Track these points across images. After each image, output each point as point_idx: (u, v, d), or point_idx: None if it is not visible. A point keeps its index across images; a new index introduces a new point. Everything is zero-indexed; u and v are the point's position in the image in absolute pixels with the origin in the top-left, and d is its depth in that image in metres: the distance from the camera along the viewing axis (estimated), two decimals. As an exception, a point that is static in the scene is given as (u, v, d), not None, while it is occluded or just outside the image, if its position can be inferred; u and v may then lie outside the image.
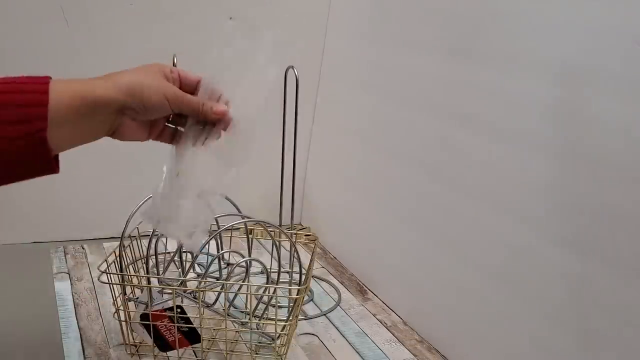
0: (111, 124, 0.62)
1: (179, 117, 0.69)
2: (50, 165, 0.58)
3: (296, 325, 0.88)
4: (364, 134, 1.16)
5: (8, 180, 0.58)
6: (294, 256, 0.98)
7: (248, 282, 0.85)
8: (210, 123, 0.67)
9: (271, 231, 0.92)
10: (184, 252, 0.92)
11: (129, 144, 1.24)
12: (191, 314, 0.81)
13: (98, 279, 0.85)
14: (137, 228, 0.90)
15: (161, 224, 0.69)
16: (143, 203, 0.85)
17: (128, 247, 0.90)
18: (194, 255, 0.89)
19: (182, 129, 0.69)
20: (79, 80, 0.60)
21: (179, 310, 0.79)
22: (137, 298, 0.85)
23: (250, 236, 0.93)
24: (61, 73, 1.12)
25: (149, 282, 0.85)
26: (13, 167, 0.56)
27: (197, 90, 0.67)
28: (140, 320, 0.81)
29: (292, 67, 0.95)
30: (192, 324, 0.81)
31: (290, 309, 0.87)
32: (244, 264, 0.88)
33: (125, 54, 1.15)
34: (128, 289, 0.85)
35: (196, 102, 0.65)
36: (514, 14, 0.80)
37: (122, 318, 0.84)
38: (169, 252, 1.07)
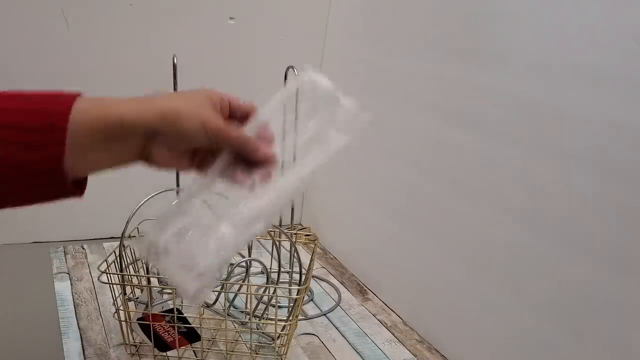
0: (141, 150, 0.56)
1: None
2: (69, 191, 0.53)
3: (296, 325, 0.88)
4: (364, 134, 1.16)
5: (24, 203, 0.55)
6: (294, 256, 0.98)
7: (248, 282, 0.85)
8: (251, 163, 0.58)
9: (271, 231, 0.92)
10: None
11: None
12: (191, 314, 0.81)
13: (98, 279, 0.85)
14: (137, 228, 0.90)
15: (161, 257, 0.57)
16: (143, 203, 0.85)
17: (128, 247, 0.90)
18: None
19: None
20: (107, 100, 0.53)
21: (177, 310, 0.79)
22: (137, 298, 0.85)
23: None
24: (61, 73, 1.12)
25: (149, 282, 0.85)
26: (28, 193, 0.53)
27: (247, 121, 0.60)
28: (139, 320, 0.81)
29: (292, 67, 0.95)
30: (191, 324, 0.81)
31: (290, 309, 0.87)
32: (244, 264, 0.88)
33: (126, 54, 1.15)
34: (128, 289, 0.85)
35: (238, 137, 0.57)
36: (513, 14, 0.80)
37: (122, 318, 0.84)
38: (169, 252, 1.07)
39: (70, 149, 0.50)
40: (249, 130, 0.58)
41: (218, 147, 0.57)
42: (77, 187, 0.54)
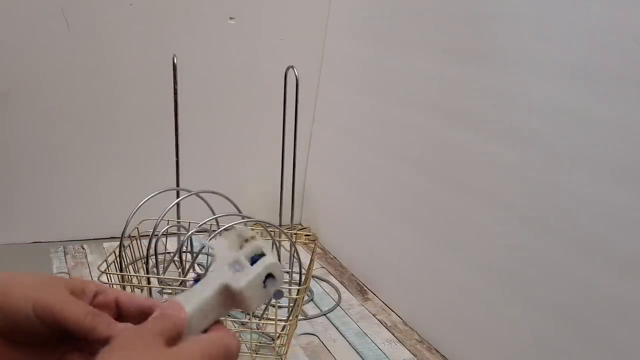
0: None
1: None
2: None
3: (296, 325, 0.88)
4: (364, 134, 1.16)
5: None
6: (294, 256, 0.98)
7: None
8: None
9: (271, 231, 0.92)
10: (183, 252, 0.92)
11: (129, 144, 1.25)
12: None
13: (98, 279, 0.85)
14: (137, 228, 0.90)
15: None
16: (143, 203, 0.85)
17: (128, 247, 0.90)
18: (194, 255, 0.89)
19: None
20: None
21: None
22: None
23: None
24: (61, 73, 1.12)
25: (149, 282, 0.85)
26: None
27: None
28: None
29: (292, 67, 0.95)
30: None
31: (290, 309, 0.87)
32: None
33: (126, 54, 1.15)
34: (128, 289, 0.85)
35: (77, 311, 0.41)
36: (513, 14, 0.80)
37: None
38: (169, 252, 1.07)
39: None
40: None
41: (56, 329, 0.42)
42: None
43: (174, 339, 0.39)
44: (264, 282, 0.45)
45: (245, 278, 0.44)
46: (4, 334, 0.42)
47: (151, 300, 0.45)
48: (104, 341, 0.39)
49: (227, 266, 0.45)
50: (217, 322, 0.44)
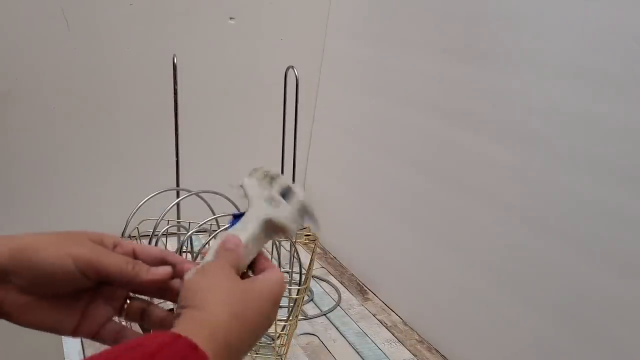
0: None
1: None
2: None
3: (296, 325, 0.88)
4: (364, 134, 1.16)
5: None
6: (294, 256, 0.98)
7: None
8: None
9: (271, 231, 0.92)
10: (183, 252, 0.92)
11: (129, 144, 1.25)
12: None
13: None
14: (137, 228, 0.90)
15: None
16: (143, 203, 0.85)
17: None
18: (194, 255, 0.89)
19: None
20: None
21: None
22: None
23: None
24: (61, 73, 1.12)
25: (149, 282, 0.85)
26: None
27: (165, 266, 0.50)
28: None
29: (292, 67, 0.95)
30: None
31: (290, 309, 0.87)
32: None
33: (125, 54, 1.15)
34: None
35: (118, 261, 0.47)
36: (513, 15, 0.80)
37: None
38: (169, 252, 1.07)
39: None
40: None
41: (95, 279, 0.46)
42: None
43: (238, 269, 0.47)
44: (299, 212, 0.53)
45: (286, 211, 0.52)
46: (31, 289, 0.45)
47: (162, 251, 0.50)
48: (147, 283, 0.47)
49: (264, 202, 0.52)
50: (261, 254, 0.51)
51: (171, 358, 0.37)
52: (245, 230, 0.50)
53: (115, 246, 0.49)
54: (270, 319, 0.46)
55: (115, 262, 0.47)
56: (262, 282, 0.47)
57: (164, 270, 0.48)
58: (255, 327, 0.45)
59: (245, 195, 0.54)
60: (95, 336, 0.49)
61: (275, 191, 0.54)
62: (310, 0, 1.26)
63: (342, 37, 1.25)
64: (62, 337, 0.89)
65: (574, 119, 0.70)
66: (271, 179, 0.55)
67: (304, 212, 0.54)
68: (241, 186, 0.55)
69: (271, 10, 1.24)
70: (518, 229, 0.79)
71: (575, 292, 0.70)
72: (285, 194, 0.54)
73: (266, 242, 0.54)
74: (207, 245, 0.89)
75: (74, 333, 0.48)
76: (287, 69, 0.95)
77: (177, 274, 0.49)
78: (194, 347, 0.38)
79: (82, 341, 0.88)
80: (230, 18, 1.20)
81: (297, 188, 0.54)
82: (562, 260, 0.72)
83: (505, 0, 0.81)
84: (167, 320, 0.50)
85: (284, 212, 0.52)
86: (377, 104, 1.11)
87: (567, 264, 0.71)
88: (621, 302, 0.65)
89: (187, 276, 0.46)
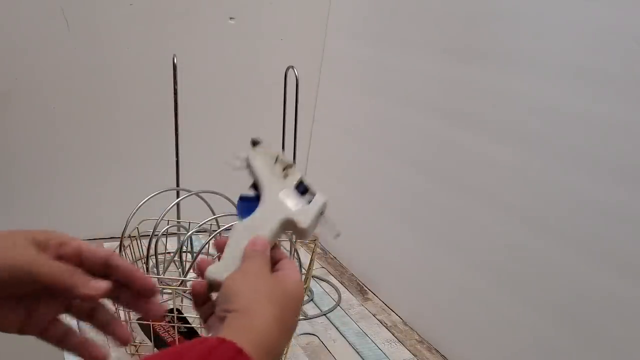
0: None
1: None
2: None
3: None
4: (364, 134, 1.16)
5: None
6: (293, 256, 0.98)
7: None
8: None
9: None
10: (183, 252, 0.92)
11: (129, 144, 1.25)
12: (191, 314, 0.81)
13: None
14: (137, 228, 0.90)
15: None
16: (143, 203, 0.85)
17: (128, 247, 0.90)
18: (194, 255, 0.89)
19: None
20: None
21: (177, 310, 0.79)
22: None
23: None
24: (61, 73, 1.12)
25: (149, 282, 0.85)
26: None
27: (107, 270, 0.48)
28: (139, 320, 0.81)
29: (292, 67, 0.95)
30: (191, 324, 0.81)
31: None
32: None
33: (126, 54, 1.15)
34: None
35: (56, 271, 0.45)
36: (513, 14, 0.80)
37: (122, 318, 0.84)
38: (169, 252, 1.07)
39: None
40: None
41: (33, 287, 0.45)
42: None
43: (269, 270, 0.49)
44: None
45: (308, 216, 0.51)
46: None
47: (108, 254, 0.48)
48: (84, 298, 0.46)
49: (280, 196, 0.52)
50: (276, 246, 0.52)
51: (218, 358, 0.38)
52: (268, 230, 0.50)
53: (61, 245, 0.48)
54: (298, 319, 0.48)
55: (52, 272, 0.45)
56: (292, 283, 0.48)
57: (102, 286, 0.46)
58: (291, 328, 0.47)
59: (252, 174, 0.54)
60: (42, 334, 0.49)
61: (291, 183, 0.53)
62: (310, 0, 1.26)
63: (342, 37, 1.25)
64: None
65: (574, 119, 0.70)
66: (284, 166, 0.54)
67: (323, 218, 0.54)
68: (247, 164, 0.55)
69: (271, 10, 1.24)
70: (518, 229, 0.79)
71: (575, 292, 0.70)
72: (300, 189, 0.53)
73: (282, 235, 0.54)
74: (207, 246, 0.89)
75: (20, 331, 0.48)
76: (287, 69, 0.95)
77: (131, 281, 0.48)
78: (239, 351, 0.40)
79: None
80: (230, 18, 1.20)
81: (317, 191, 0.53)
82: (562, 260, 0.72)
83: (505, 0, 0.81)
84: (115, 322, 0.50)
85: (307, 217, 0.51)
86: (377, 104, 1.11)
87: (567, 264, 0.71)
88: (621, 302, 0.65)
89: (211, 274, 0.48)
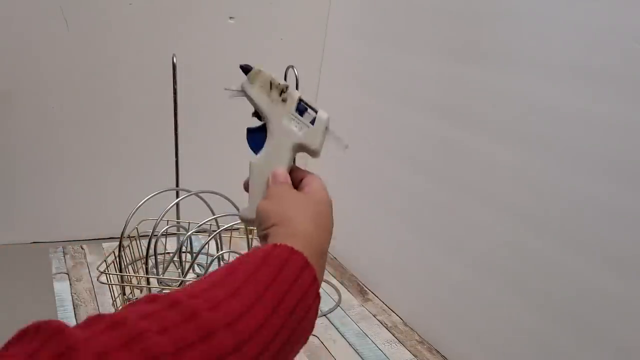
0: None
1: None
2: None
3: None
4: (365, 134, 1.16)
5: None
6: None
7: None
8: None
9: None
10: (183, 252, 0.92)
11: (129, 144, 1.25)
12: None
13: (97, 280, 0.85)
14: (137, 228, 0.90)
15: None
16: (143, 203, 0.85)
17: (127, 247, 0.90)
18: (194, 255, 0.89)
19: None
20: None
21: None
22: (137, 299, 0.85)
23: (250, 236, 0.93)
24: (61, 73, 1.12)
25: (148, 282, 0.85)
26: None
27: None
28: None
29: (292, 67, 0.94)
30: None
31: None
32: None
33: (125, 54, 1.15)
34: (127, 290, 0.84)
35: None
36: (513, 15, 0.80)
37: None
38: (168, 252, 1.07)
39: None
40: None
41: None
42: None
43: None
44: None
45: (316, 136, 0.55)
46: None
47: None
48: None
49: (285, 121, 0.54)
50: (295, 169, 0.55)
51: (276, 259, 0.42)
52: (283, 161, 0.53)
53: None
54: (332, 220, 0.52)
55: None
56: (319, 192, 0.51)
57: None
58: (329, 228, 0.50)
59: (251, 102, 0.56)
60: None
61: (291, 107, 0.55)
62: (310, 0, 1.26)
63: (342, 37, 1.25)
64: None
65: (574, 119, 0.70)
66: (280, 90, 0.55)
67: (329, 133, 0.56)
68: (244, 93, 0.58)
69: (271, 10, 1.24)
70: (518, 228, 0.78)
71: (575, 291, 0.70)
72: (301, 108, 0.55)
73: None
74: (207, 245, 0.89)
75: None
76: (287, 68, 0.95)
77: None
78: (292, 250, 0.43)
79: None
80: (230, 18, 1.20)
81: (318, 107, 0.56)
82: (562, 260, 0.72)
83: (505, 0, 0.81)
84: None
85: (315, 137, 0.54)
86: (377, 104, 1.11)
87: (567, 264, 0.71)
88: (621, 302, 0.65)
89: (244, 214, 0.51)
